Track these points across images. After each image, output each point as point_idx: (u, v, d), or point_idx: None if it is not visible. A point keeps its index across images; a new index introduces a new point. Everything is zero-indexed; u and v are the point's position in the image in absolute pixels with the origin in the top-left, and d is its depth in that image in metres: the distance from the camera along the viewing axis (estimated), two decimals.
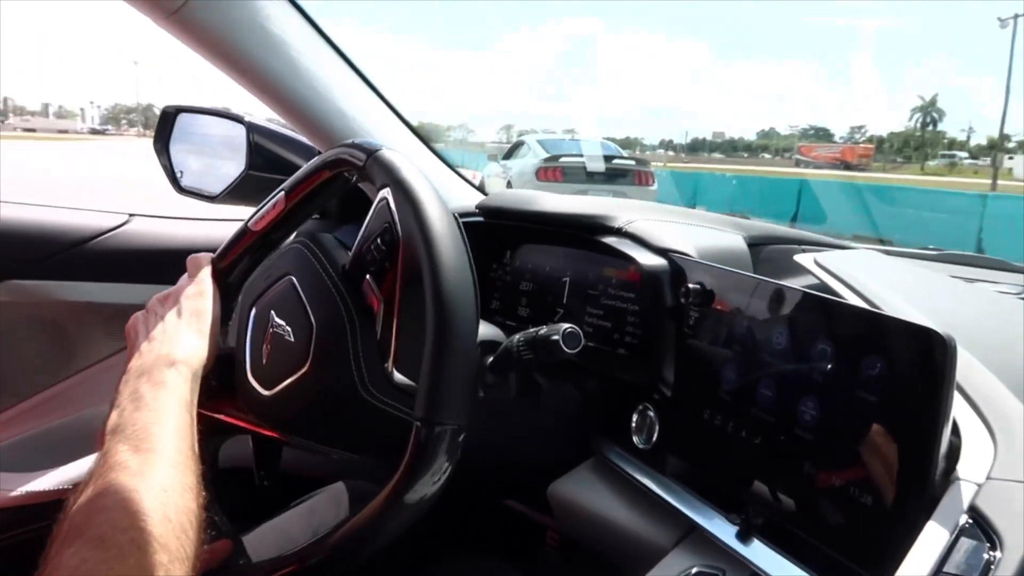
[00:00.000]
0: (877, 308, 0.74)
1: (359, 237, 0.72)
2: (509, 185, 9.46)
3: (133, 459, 0.60)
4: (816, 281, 0.87)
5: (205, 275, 0.82)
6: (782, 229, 1.08)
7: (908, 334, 0.56)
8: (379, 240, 0.69)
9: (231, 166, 1.31)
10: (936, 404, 0.53)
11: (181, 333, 0.75)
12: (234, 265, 0.84)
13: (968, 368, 0.62)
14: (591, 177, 8.99)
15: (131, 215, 1.22)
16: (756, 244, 0.97)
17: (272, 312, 0.76)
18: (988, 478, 0.52)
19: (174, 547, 0.55)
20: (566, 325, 0.71)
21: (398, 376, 0.69)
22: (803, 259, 0.94)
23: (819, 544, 0.60)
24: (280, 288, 0.76)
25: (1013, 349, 0.71)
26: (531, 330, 0.74)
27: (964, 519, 0.50)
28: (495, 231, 1.07)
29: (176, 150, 1.38)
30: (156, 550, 0.53)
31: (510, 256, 1.08)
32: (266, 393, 0.74)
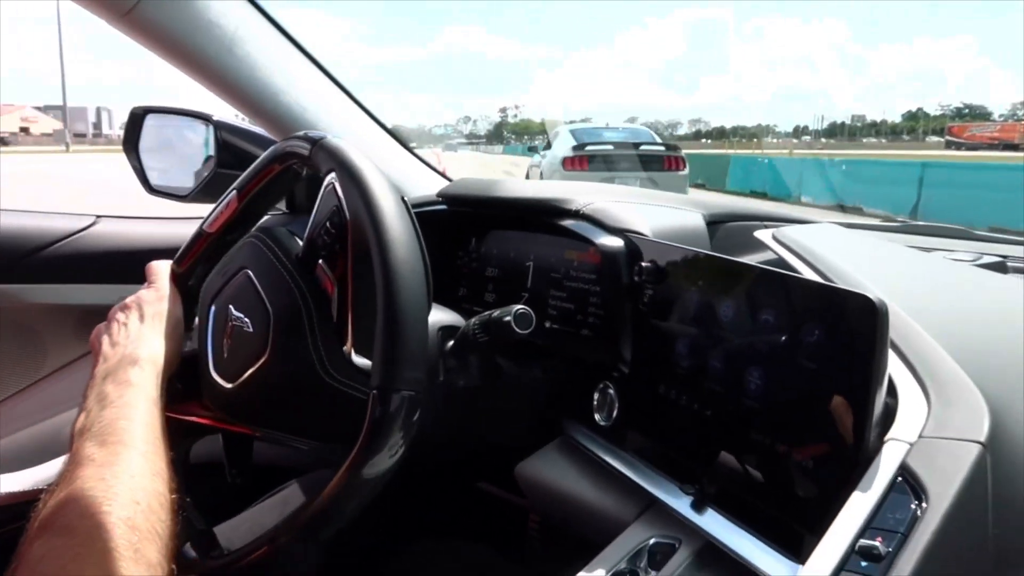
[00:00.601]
0: (829, 279, 0.75)
1: (309, 224, 0.73)
2: (541, 176, 9.34)
3: (99, 452, 0.61)
4: (774, 256, 0.88)
5: (164, 280, 0.83)
6: (744, 204, 1.09)
7: (843, 301, 0.57)
8: (328, 224, 0.70)
9: (201, 165, 1.32)
10: (869, 367, 0.54)
11: (144, 335, 0.76)
12: (193, 268, 0.85)
13: (909, 332, 0.64)
14: (618, 165, 8.77)
15: (98, 216, 1.23)
16: (716, 222, 0.99)
17: (230, 306, 0.77)
18: (920, 436, 0.53)
19: (144, 527, 0.56)
20: (518, 306, 0.73)
21: (358, 359, 0.70)
22: (762, 235, 0.95)
23: (766, 508, 0.62)
24: (237, 282, 0.77)
25: (956, 313, 0.72)
26: (485, 313, 0.75)
27: (895, 476, 0.51)
28: (459, 219, 1.08)
29: (146, 151, 1.39)
30: (124, 531, 0.54)
31: (475, 243, 1.09)
32: (229, 386, 0.75)
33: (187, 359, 0.82)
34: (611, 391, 0.84)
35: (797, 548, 0.57)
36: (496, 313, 0.74)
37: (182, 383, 0.81)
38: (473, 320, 0.77)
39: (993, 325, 0.69)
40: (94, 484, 0.58)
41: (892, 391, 0.58)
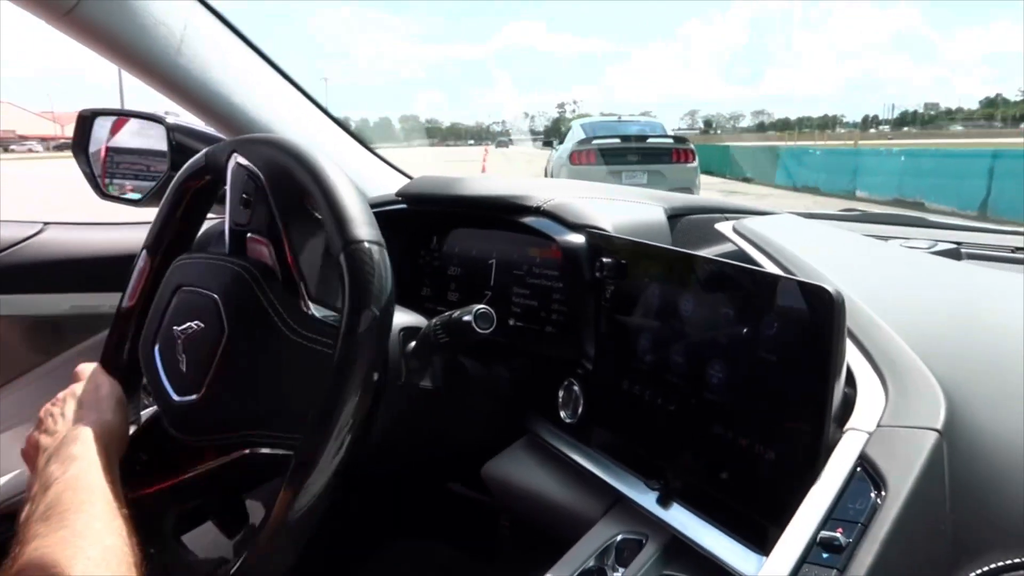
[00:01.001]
0: (788, 270, 0.76)
1: (227, 210, 0.74)
2: (548, 172, 9.24)
3: (46, 526, 0.59)
4: (734, 248, 0.89)
5: (92, 369, 0.81)
6: (705, 200, 1.09)
7: (801, 293, 0.57)
8: (244, 196, 0.72)
9: (154, 168, 1.28)
10: (827, 359, 0.54)
11: (83, 414, 0.74)
12: (120, 348, 0.84)
13: (866, 322, 0.64)
14: (625, 158, 8.50)
15: (45, 224, 1.19)
16: (677, 215, 0.99)
17: (174, 328, 0.74)
18: (878, 426, 0.54)
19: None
20: (479, 306, 0.72)
21: (317, 310, 0.70)
22: (723, 227, 0.96)
23: (730, 502, 0.62)
24: (174, 306, 0.75)
25: (912, 301, 0.73)
26: (446, 314, 0.74)
27: (855, 466, 0.51)
28: (420, 217, 1.07)
29: (96, 155, 1.35)
30: None
31: (437, 242, 1.07)
32: (197, 397, 0.71)
33: (145, 429, 0.79)
34: (576, 388, 0.83)
35: (761, 541, 0.57)
36: (457, 313, 0.73)
37: (146, 453, 0.78)
38: (434, 321, 0.76)
39: (947, 312, 0.70)
40: (43, 553, 0.56)
41: (851, 381, 0.59)
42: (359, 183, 1.15)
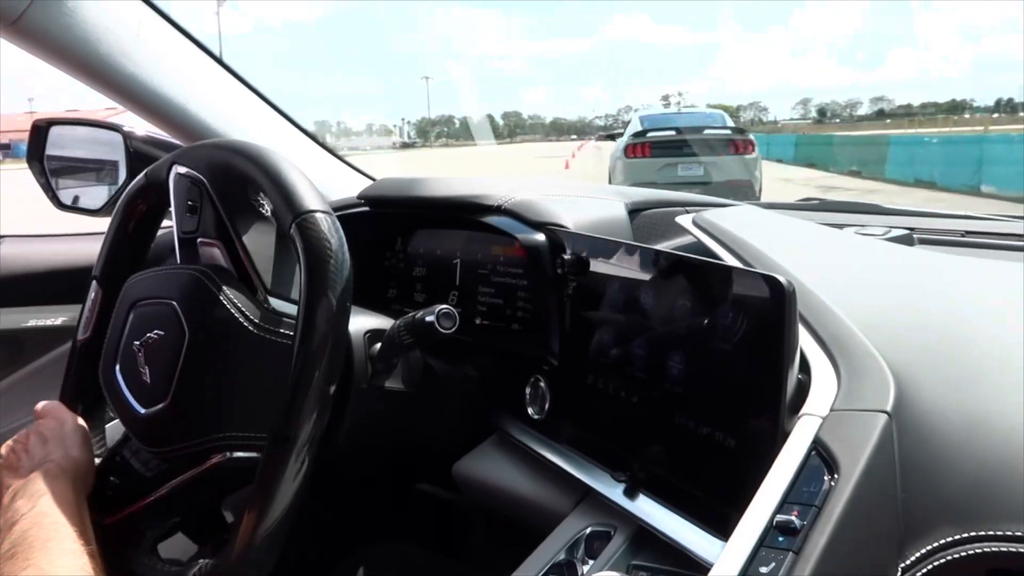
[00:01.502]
0: (745, 260, 0.77)
1: (174, 219, 0.75)
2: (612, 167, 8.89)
3: (11, 564, 0.59)
4: (693, 240, 0.90)
5: (54, 405, 0.80)
6: (667, 194, 1.10)
7: (753, 283, 0.59)
8: (189, 203, 0.73)
9: (112, 176, 1.26)
10: (780, 347, 0.56)
11: (48, 449, 0.74)
12: (81, 381, 0.82)
13: (819, 308, 0.66)
14: (679, 150, 8.22)
15: (1, 237, 1.16)
16: (638, 210, 1.00)
17: (134, 343, 0.73)
18: (831, 410, 0.55)
19: None
20: (441, 306, 0.72)
21: (275, 303, 0.71)
22: (683, 220, 0.97)
23: (693, 490, 0.63)
24: (131, 322, 0.74)
25: (863, 286, 0.75)
26: (409, 314, 0.75)
27: (809, 451, 0.53)
28: (384, 220, 1.07)
29: (52, 165, 1.32)
30: None
31: (401, 243, 1.07)
32: (163, 405, 0.69)
33: (113, 451, 0.78)
34: (542, 384, 0.84)
35: (724, 527, 0.58)
36: (420, 313, 0.73)
37: (117, 477, 0.77)
38: (398, 322, 0.76)
39: (896, 296, 0.72)
40: None
41: (806, 368, 0.60)
42: (321, 188, 1.15)
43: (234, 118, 1.02)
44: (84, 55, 0.90)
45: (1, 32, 0.86)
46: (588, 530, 0.71)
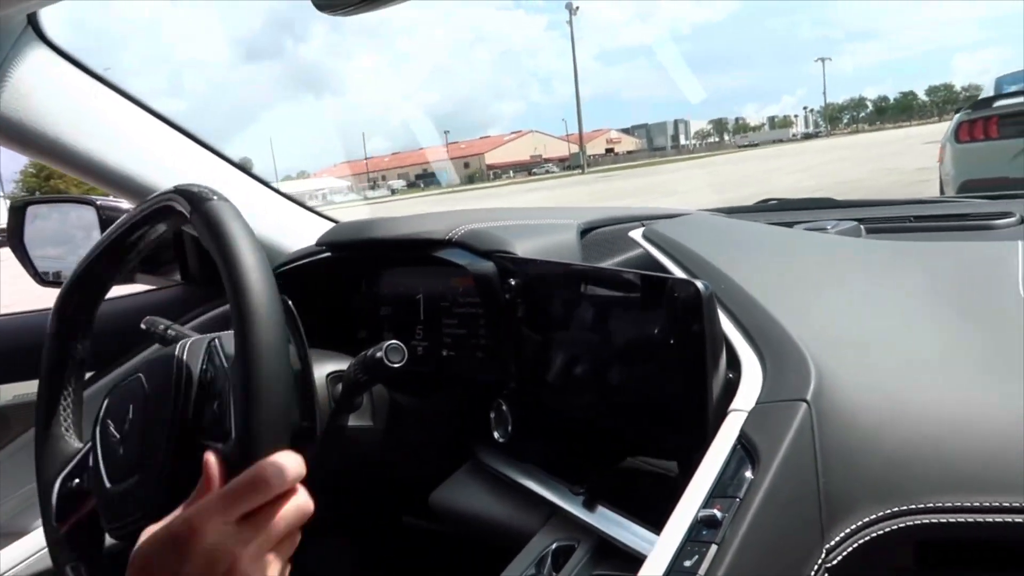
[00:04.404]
0: (688, 268, 0.79)
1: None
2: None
3: None
4: (642, 252, 0.92)
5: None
6: (626, 209, 1.12)
7: (673, 289, 0.61)
8: None
9: (88, 250, 1.30)
10: (703, 349, 0.58)
11: None
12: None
13: (750, 306, 0.68)
14: None
15: None
16: (591, 228, 1.02)
17: (108, 423, 0.73)
18: (757, 403, 0.57)
19: None
20: (390, 341, 0.75)
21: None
22: (634, 234, 0.99)
23: (641, 494, 0.65)
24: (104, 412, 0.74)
25: (793, 281, 0.77)
26: (361, 353, 0.77)
27: (735, 445, 0.55)
28: (346, 263, 1.10)
29: (32, 244, 1.37)
30: None
31: (366, 285, 1.10)
32: (138, 477, 0.67)
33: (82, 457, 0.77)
34: (504, 408, 0.86)
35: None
36: (371, 351, 0.76)
37: (79, 478, 0.76)
38: (353, 361, 0.79)
39: (820, 287, 0.74)
40: None
41: (737, 365, 0.62)
42: (280, 235, 1.18)
43: (189, 176, 1.05)
44: (17, 127, 0.93)
45: None
46: (554, 545, 0.73)
